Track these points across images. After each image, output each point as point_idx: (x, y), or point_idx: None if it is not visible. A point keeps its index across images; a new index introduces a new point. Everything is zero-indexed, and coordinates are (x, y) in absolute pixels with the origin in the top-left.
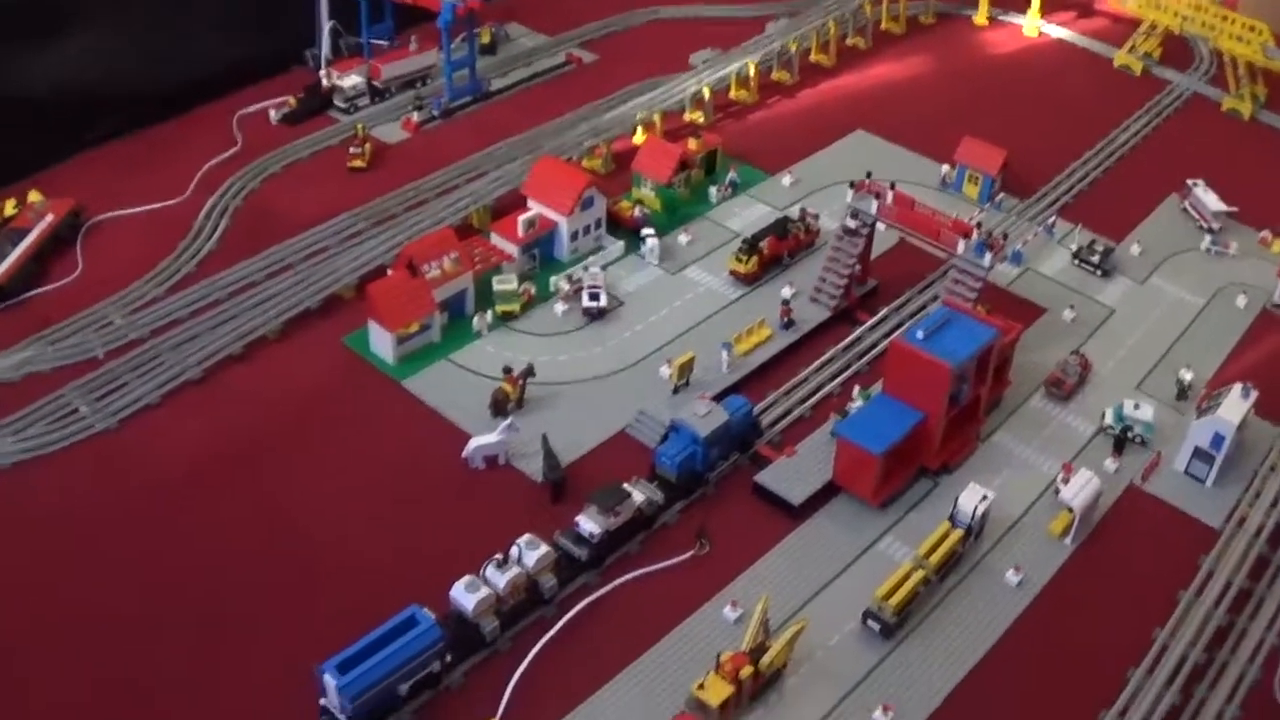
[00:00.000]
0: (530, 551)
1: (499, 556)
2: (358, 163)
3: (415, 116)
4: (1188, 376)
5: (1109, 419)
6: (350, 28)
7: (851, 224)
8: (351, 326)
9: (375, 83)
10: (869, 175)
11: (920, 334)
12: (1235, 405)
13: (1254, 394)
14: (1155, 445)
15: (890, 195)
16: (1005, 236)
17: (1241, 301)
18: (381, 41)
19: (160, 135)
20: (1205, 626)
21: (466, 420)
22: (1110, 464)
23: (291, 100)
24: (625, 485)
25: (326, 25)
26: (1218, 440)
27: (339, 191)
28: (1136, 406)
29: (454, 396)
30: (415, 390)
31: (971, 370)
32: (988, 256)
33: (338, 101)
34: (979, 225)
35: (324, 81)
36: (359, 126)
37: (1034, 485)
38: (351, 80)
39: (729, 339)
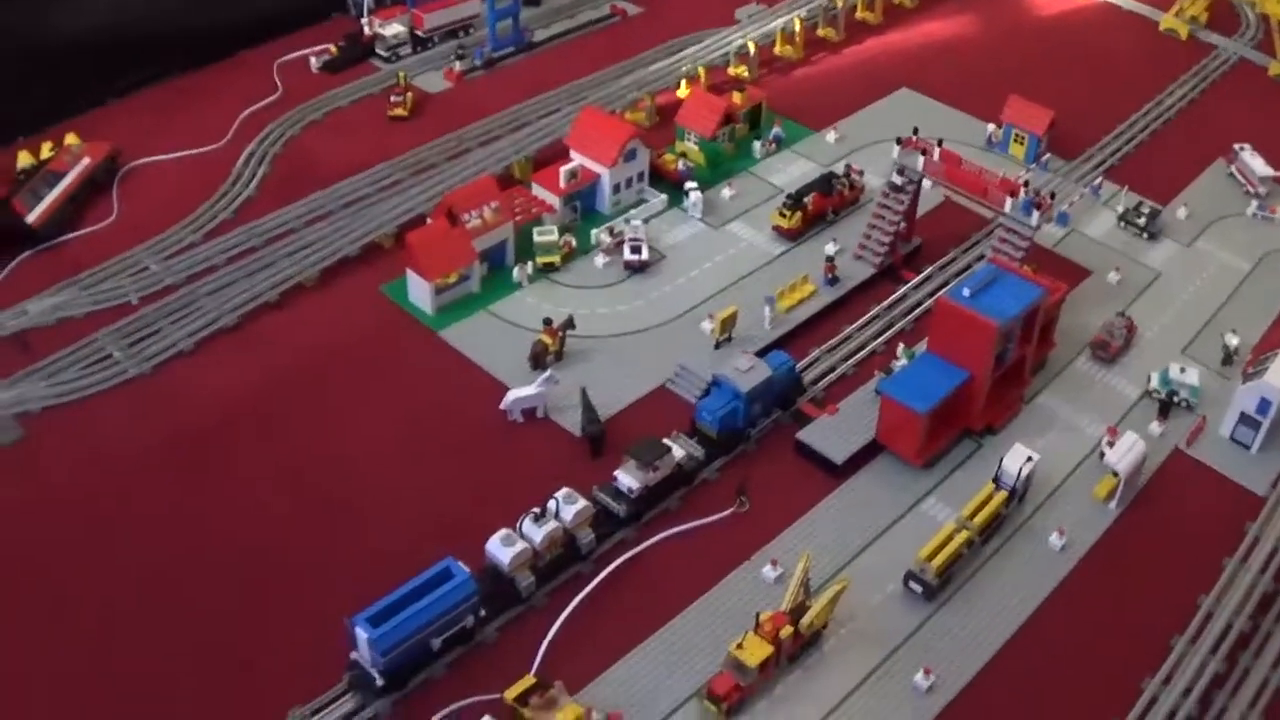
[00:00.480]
0: (568, 506)
1: (536, 510)
2: (399, 111)
3: (457, 66)
4: (1234, 341)
5: (1154, 383)
6: None
7: (898, 180)
8: (390, 276)
9: (418, 32)
10: (916, 131)
11: (966, 291)
12: None
13: None
14: (1200, 410)
15: (937, 152)
16: (1053, 196)
17: None
18: None
19: (199, 81)
20: (1251, 594)
21: (505, 372)
22: (1155, 428)
23: (333, 48)
24: (665, 440)
25: None
26: (1264, 406)
27: (379, 140)
28: (1183, 370)
29: (493, 348)
30: (453, 341)
31: (1018, 330)
32: (1035, 215)
33: (379, 50)
34: (1026, 184)
35: (366, 30)
36: (401, 75)
37: (1079, 448)
38: (394, 29)
39: (772, 294)
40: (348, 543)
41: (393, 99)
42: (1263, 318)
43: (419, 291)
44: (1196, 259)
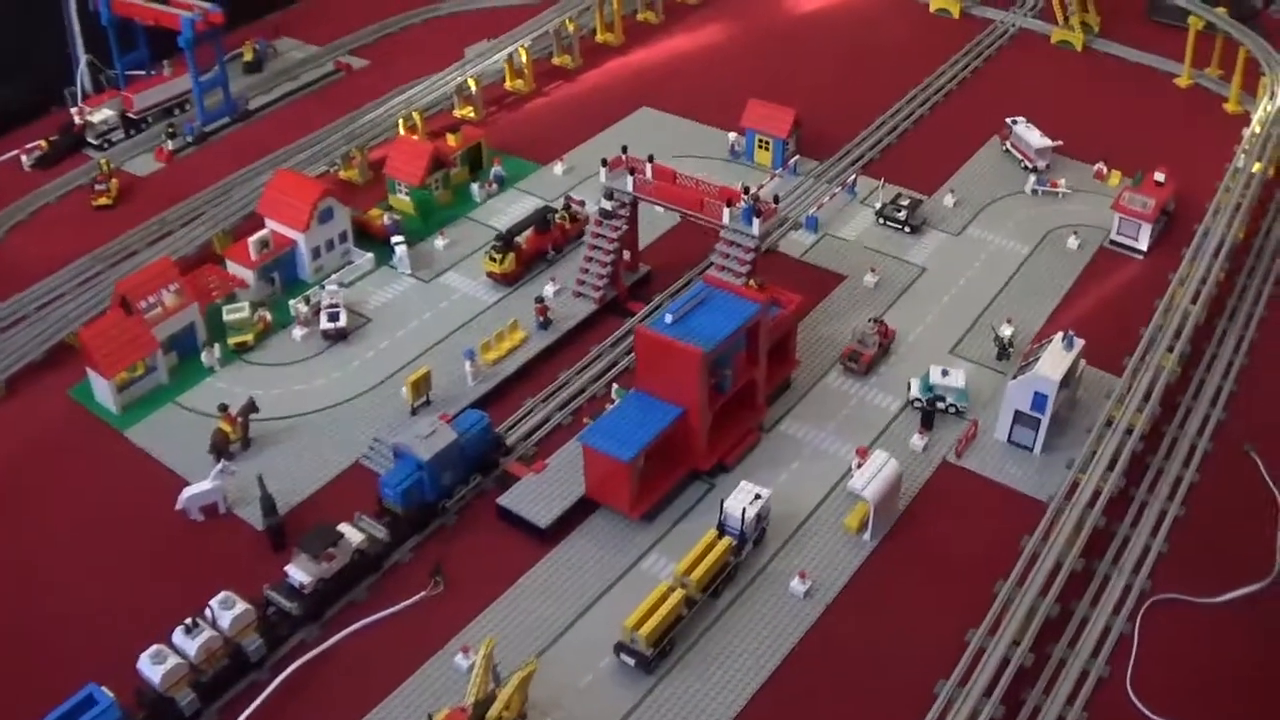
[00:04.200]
0: (225, 612)
1: (188, 620)
2: (103, 200)
3: (169, 145)
4: (1007, 331)
5: (915, 390)
6: (109, 61)
7: (607, 205)
8: (80, 376)
9: (129, 114)
10: (625, 150)
11: (669, 318)
12: (1057, 359)
13: (1079, 343)
14: (974, 414)
15: (649, 169)
16: (776, 199)
17: (1074, 243)
18: (138, 71)
19: None
20: (1032, 619)
21: (191, 468)
22: (917, 441)
23: (43, 143)
24: (342, 525)
25: (82, 60)
26: (1039, 401)
27: (85, 233)
28: (945, 373)
29: (180, 443)
30: (139, 440)
31: (736, 352)
32: (756, 224)
33: (90, 138)
34: (746, 190)
35: (76, 119)
36: (103, 162)
37: (829, 475)
38: (102, 114)
39: (472, 347)
40: (12, 668)
41: (96, 188)
42: (1046, 302)
43: (102, 390)
44: (967, 248)
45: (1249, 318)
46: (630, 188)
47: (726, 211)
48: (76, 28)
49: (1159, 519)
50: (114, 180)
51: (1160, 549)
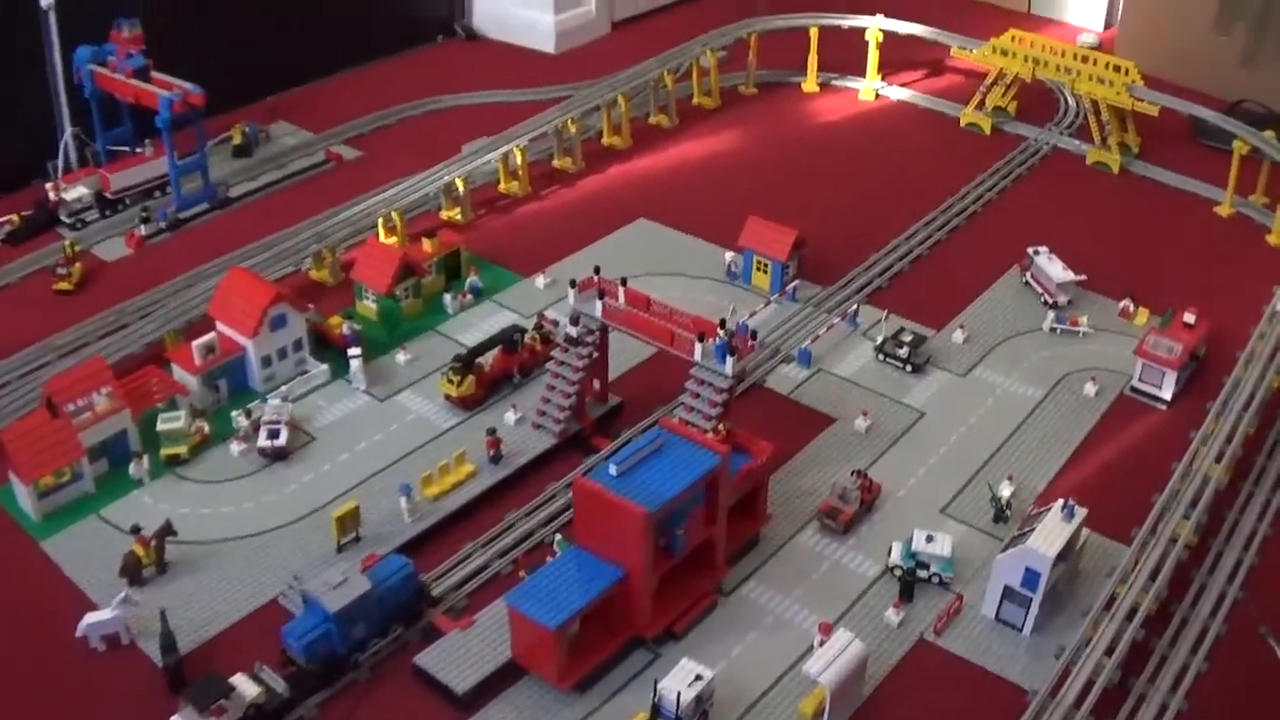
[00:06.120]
0: None
1: None
2: (64, 285)
3: (142, 230)
4: (1006, 491)
5: (895, 556)
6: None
7: (573, 331)
8: (6, 477)
9: (107, 194)
10: (597, 271)
11: (613, 469)
12: (1053, 530)
13: (1080, 513)
14: (961, 585)
15: (622, 294)
16: (755, 335)
17: (1091, 389)
18: (122, 148)
19: None
20: None
21: (102, 590)
22: (892, 615)
23: (15, 218)
24: (238, 676)
25: (67, 132)
26: (1031, 578)
27: (42, 319)
28: (930, 539)
29: (96, 560)
30: (53, 552)
31: (692, 509)
32: (730, 362)
33: (63, 216)
34: (723, 323)
35: (51, 195)
36: (67, 244)
37: (790, 651)
38: (76, 192)
39: (410, 481)
40: None
41: (57, 271)
42: (1054, 457)
43: (23, 495)
44: (973, 391)
45: (1278, 480)
46: (598, 313)
47: (699, 347)
48: (63, 98)
49: (1158, 714)
50: (77, 264)
51: None
